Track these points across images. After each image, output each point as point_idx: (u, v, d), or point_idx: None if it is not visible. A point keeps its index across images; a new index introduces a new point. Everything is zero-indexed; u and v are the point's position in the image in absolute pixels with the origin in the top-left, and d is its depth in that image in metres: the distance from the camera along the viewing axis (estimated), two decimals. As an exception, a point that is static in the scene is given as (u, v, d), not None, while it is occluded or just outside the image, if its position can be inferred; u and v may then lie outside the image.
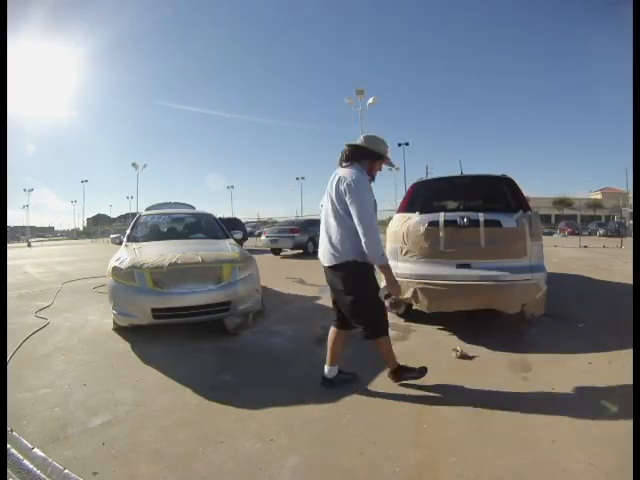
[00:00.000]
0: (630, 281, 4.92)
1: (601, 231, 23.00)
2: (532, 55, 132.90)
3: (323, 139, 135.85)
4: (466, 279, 3.10)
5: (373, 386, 2.26)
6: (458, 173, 4.13)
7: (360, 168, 2.11)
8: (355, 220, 1.97)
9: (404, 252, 3.40)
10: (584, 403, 1.99)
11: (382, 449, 1.64)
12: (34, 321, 3.91)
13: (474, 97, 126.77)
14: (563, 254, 10.08)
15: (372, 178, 2.19)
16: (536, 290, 3.05)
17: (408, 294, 3.29)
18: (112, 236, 4.90)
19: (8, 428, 1.76)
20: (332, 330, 2.29)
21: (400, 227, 3.47)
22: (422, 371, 2.26)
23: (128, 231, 4.58)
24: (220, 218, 5.59)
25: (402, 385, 2.24)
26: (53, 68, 66.38)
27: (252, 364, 2.67)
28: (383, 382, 2.30)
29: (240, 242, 5.50)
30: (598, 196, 48.97)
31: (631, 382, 1.67)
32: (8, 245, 23.20)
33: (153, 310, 3.12)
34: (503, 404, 1.99)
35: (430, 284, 3.16)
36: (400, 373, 2.23)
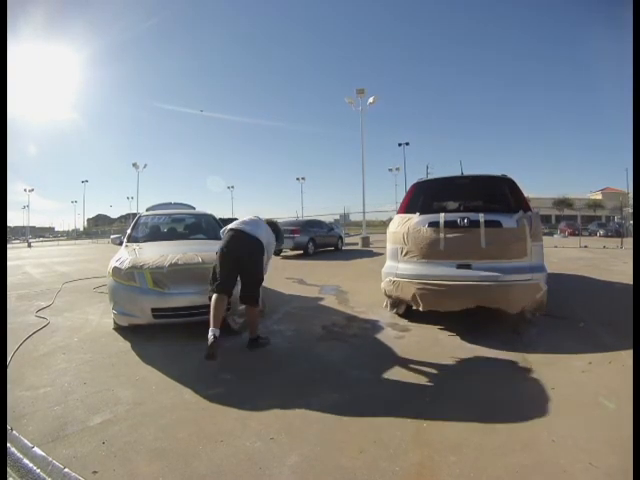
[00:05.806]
0: (630, 281, 4.92)
1: (601, 231, 22.92)
2: (533, 55, 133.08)
3: (323, 140, 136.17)
4: (467, 279, 3.10)
5: (373, 385, 2.27)
6: (458, 173, 4.13)
7: None
8: None
9: (404, 253, 3.40)
10: (584, 403, 1.99)
11: (382, 449, 1.63)
12: (34, 321, 3.91)
13: (475, 97, 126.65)
14: (563, 254, 10.07)
15: None
16: (536, 290, 3.05)
17: (409, 294, 3.29)
18: (112, 236, 4.90)
19: (8, 427, 1.76)
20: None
21: (400, 228, 3.47)
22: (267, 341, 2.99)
23: (128, 231, 4.58)
24: (220, 218, 5.59)
25: (402, 385, 2.25)
26: (55, 70, 66.73)
27: (252, 363, 2.67)
28: (383, 382, 2.30)
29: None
30: (598, 196, 48.82)
31: (631, 382, 1.67)
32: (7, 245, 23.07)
33: (153, 310, 3.13)
34: (503, 404, 1.99)
35: (430, 284, 3.16)
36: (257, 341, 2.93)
